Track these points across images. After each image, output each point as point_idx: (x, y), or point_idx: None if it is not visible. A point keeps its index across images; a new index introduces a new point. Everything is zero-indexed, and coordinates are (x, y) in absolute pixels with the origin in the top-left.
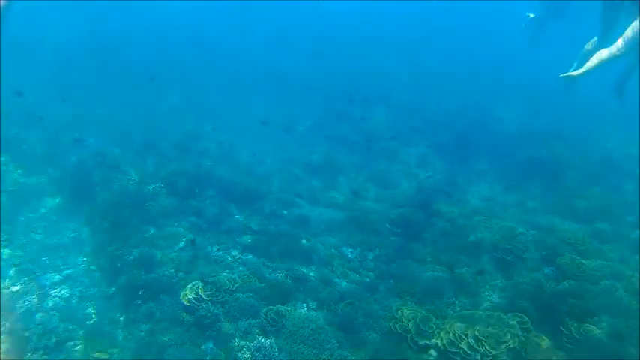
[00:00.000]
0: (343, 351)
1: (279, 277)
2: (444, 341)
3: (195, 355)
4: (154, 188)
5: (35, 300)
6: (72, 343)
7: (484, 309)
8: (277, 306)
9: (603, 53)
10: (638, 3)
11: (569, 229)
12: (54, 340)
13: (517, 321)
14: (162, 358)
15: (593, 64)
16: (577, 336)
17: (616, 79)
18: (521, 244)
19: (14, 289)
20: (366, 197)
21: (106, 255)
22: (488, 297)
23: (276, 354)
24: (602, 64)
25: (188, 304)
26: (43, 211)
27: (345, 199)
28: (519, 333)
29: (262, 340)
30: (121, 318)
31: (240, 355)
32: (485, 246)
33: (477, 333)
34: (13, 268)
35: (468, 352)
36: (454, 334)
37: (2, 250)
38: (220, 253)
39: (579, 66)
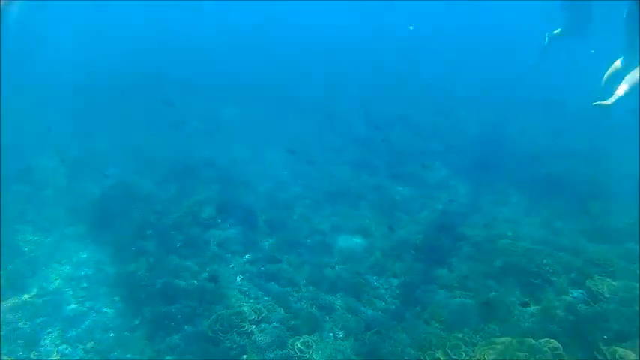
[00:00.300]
0: None
1: (305, 306)
2: None
3: None
4: (176, 218)
5: (58, 331)
6: None
7: (514, 335)
8: (304, 336)
9: (635, 76)
10: (639, 3)
11: (597, 249)
12: None
13: (549, 347)
14: None
15: (625, 90)
16: None
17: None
18: (549, 266)
19: (37, 320)
20: (390, 223)
21: (130, 286)
22: (518, 322)
23: None
24: (635, 88)
25: (213, 335)
26: (66, 241)
27: (368, 225)
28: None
29: None
30: (146, 349)
31: None
32: (513, 270)
33: None
34: (36, 300)
35: None
36: None
37: (25, 281)
38: (245, 282)
39: (607, 89)
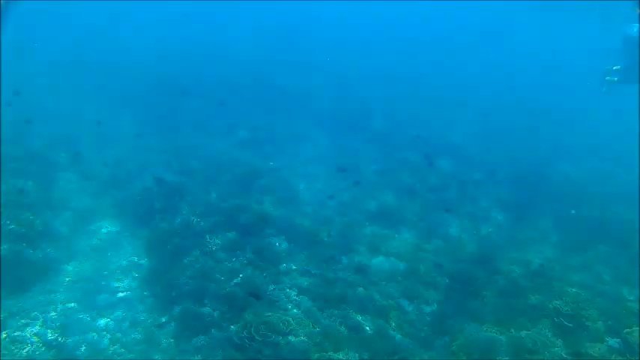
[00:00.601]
0: None
1: (334, 323)
2: None
3: None
4: (215, 221)
5: (87, 319)
6: None
7: None
8: (329, 353)
9: None
10: (639, 3)
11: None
12: None
13: None
14: None
15: None
16: None
17: None
18: (585, 311)
19: (69, 305)
20: (427, 249)
21: (162, 283)
22: None
23: None
24: None
25: (239, 342)
26: (104, 231)
27: (405, 249)
28: None
29: None
30: (170, 348)
31: None
32: (547, 310)
33: None
34: (71, 285)
35: None
36: None
37: (63, 267)
38: (276, 292)
39: None
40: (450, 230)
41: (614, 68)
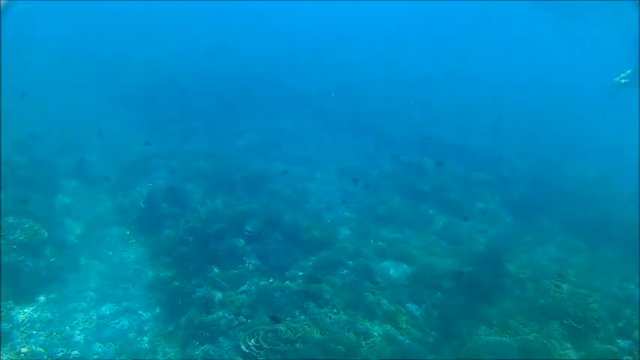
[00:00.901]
0: None
1: (342, 330)
2: None
3: None
4: (220, 228)
5: (93, 329)
6: None
7: None
8: None
9: None
10: (639, 3)
11: None
12: None
13: None
14: None
15: None
16: None
17: None
18: (594, 312)
19: (75, 315)
20: (434, 252)
21: (168, 291)
22: None
23: None
24: None
25: (247, 350)
26: (108, 239)
27: (413, 253)
28: None
29: None
30: (177, 357)
31: None
32: (556, 312)
33: None
34: (76, 295)
35: None
36: None
37: (68, 276)
38: (283, 299)
39: None
40: (458, 232)
41: (623, 75)
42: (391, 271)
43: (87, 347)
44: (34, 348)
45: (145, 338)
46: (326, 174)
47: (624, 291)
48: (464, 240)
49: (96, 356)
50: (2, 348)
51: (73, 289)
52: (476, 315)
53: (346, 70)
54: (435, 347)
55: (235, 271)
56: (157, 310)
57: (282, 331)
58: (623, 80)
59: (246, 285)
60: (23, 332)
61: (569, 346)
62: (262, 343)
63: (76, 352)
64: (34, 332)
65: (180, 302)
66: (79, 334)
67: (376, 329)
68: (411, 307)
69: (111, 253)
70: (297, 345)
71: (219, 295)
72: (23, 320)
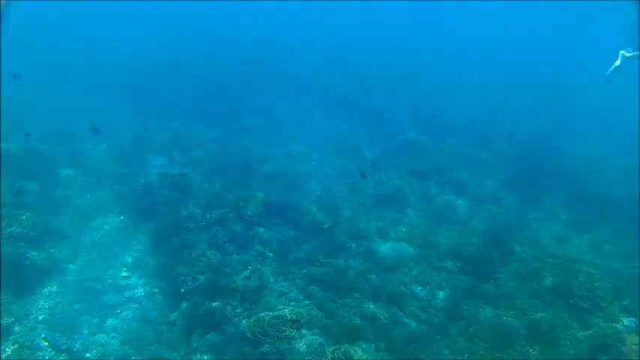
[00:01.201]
0: None
1: (347, 314)
2: None
3: None
4: (221, 213)
5: (96, 320)
6: None
7: None
8: (345, 345)
9: None
10: (638, 3)
11: None
12: None
13: None
14: None
15: None
16: None
17: None
18: (600, 290)
19: (76, 306)
20: (437, 233)
21: (170, 279)
22: (564, 347)
23: None
24: None
25: (252, 337)
26: (107, 227)
27: (415, 233)
28: None
29: None
30: (182, 346)
31: None
32: (561, 291)
33: None
34: (77, 286)
35: None
36: None
37: (68, 266)
38: (286, 284)
39: None
40: (460, 211)
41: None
42: (394, 253)
43: (90, 339)
44: (36, 341)
45: (148, 328)
46: (326, 156)
47: (628, 269)
48: (466, 220)
49: (100, 347)
50: (3, 342)
51: (74, 279)
52: (481, 296)
53: (349, 57)
54: (440, 329)
55: (237, 257)
56: (160, 299)
57: (287, 316)
58: (629, 54)
59: (249, 270)
60: (24, 326)
61: (576, 325)
62: (268, 329)
63: (79, 344)
64: (36, 325)
65: (182, 290)
66: (81, 326)
67: (381, 312)
68: (416, 288)
69: (110, 242)
70: (303, 331)
71: (222, 281)
72: (24, 313)
